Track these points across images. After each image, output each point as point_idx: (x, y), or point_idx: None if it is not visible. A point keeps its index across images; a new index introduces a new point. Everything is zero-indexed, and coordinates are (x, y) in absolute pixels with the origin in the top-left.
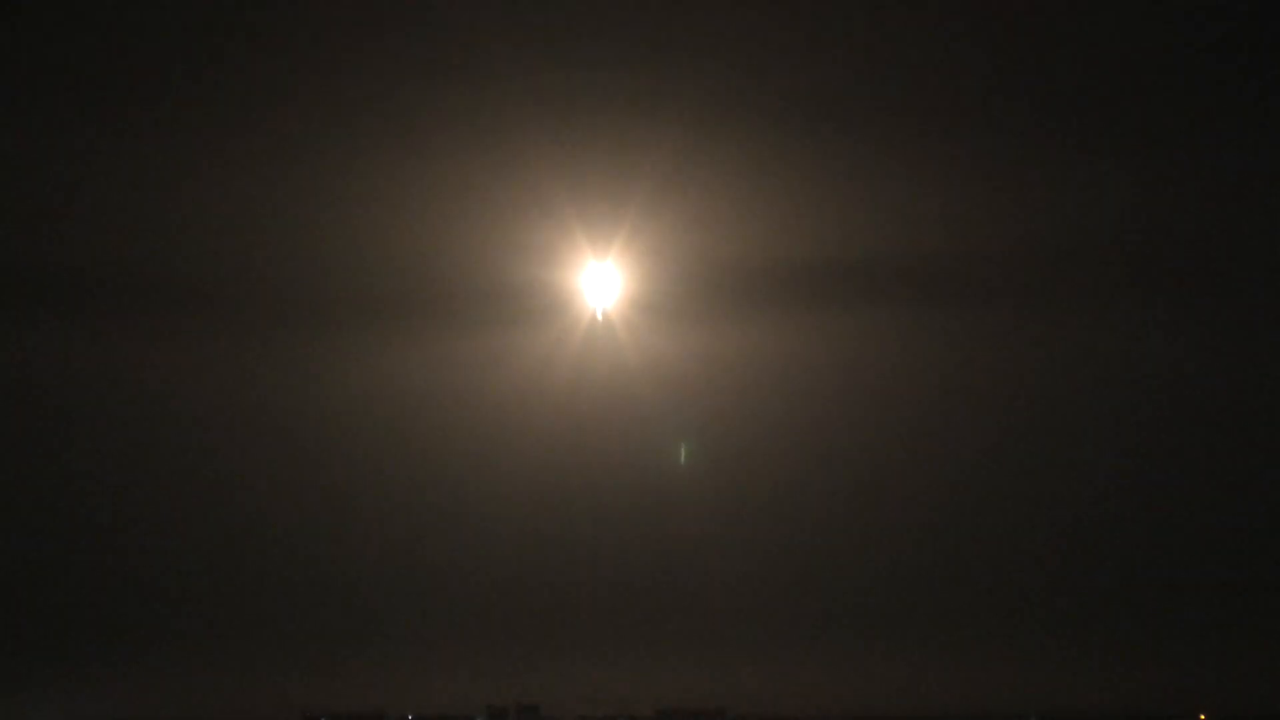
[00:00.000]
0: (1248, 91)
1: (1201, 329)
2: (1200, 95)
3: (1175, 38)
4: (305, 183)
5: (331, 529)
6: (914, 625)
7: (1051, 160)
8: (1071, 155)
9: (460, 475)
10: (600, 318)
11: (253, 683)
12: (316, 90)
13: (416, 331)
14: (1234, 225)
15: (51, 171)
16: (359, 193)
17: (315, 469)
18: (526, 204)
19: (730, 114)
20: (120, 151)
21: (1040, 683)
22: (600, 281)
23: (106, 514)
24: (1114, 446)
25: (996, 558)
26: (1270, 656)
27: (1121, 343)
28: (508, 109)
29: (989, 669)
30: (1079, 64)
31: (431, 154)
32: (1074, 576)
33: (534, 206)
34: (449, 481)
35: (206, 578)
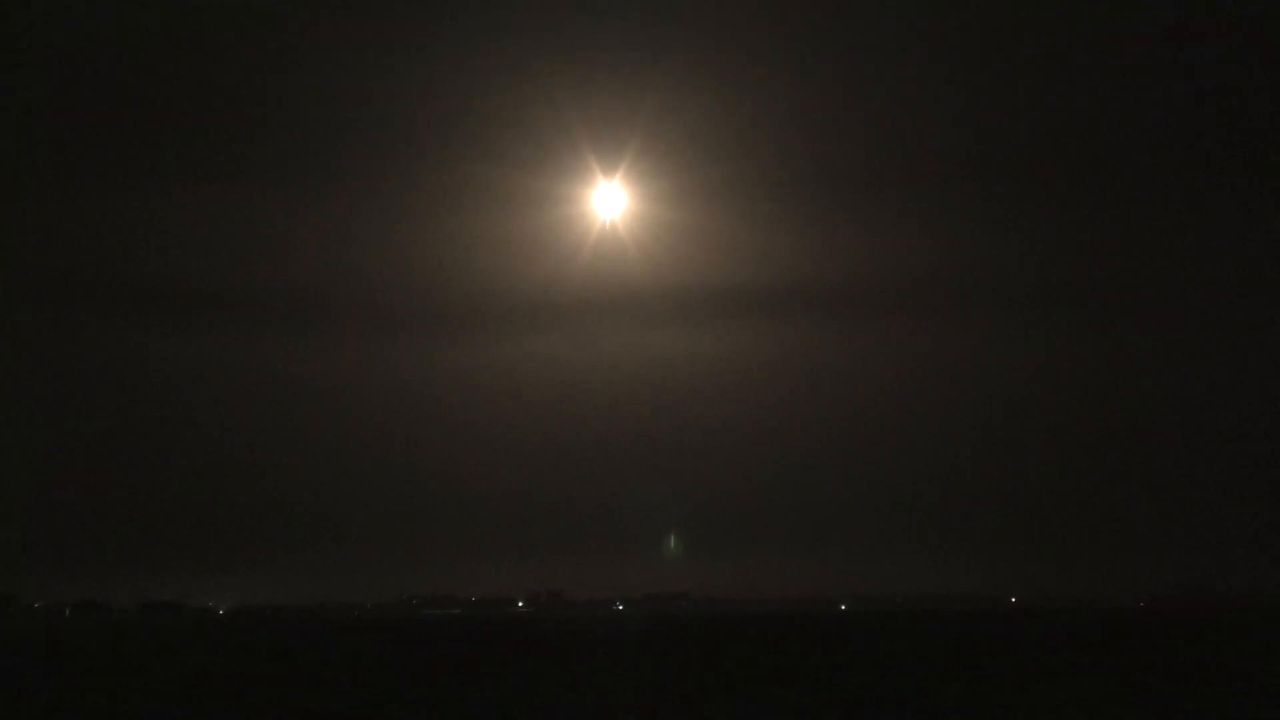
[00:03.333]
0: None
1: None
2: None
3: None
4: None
5: (410, 461)
6: (836, 530)
7: (1027, 197)
8: (1046, 194)
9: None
10: (609, 226)
11: (366, 572)
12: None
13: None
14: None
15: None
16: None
17: (403, 416)
18: (545, 132)
19: (729, 47)
20: (190, 181)
21: (881, 570)
22: (608, 198)
23: (266, 453)
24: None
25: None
26: (1076, 547)
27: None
28: (529, 49)
29: (876, 559)
30: (1060, 119)
31: (455, 93)
32: (923, 478)
33: (551, 133)
34: (488, 398)
35: (333, 497)
